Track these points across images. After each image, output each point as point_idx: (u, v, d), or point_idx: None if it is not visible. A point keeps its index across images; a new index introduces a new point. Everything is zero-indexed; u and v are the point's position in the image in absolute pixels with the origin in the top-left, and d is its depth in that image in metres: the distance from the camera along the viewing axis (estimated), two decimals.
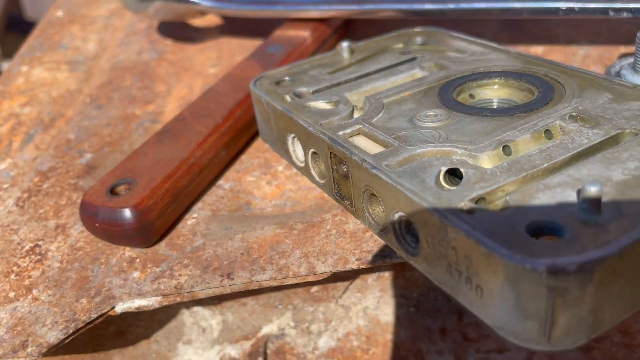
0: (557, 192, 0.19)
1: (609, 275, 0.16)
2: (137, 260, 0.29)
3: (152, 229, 0.29)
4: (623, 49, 0.37)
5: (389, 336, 0.33)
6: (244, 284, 0.27)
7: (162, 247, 0.29)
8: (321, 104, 0.28)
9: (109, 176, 0.30)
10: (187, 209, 0.31)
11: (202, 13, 0.46)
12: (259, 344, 0.34)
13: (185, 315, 0.35)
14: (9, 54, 1.53)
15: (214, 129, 0.33)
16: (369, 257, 0.26)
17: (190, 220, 0.31)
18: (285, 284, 0.27)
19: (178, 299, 0.27)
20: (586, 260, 0.16)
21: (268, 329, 0.34)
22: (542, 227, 0.18)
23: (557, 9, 0.35)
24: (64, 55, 0.52)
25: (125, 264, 0.29)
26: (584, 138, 0.22)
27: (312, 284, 0.34)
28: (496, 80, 0.28)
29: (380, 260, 0.26)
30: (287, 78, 0.32)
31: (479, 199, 0.20)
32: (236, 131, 0.34)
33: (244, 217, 0.31)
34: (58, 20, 0.57)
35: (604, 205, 0.18)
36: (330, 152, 0.24)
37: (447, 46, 0.33)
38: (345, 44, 0.33)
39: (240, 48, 0.48)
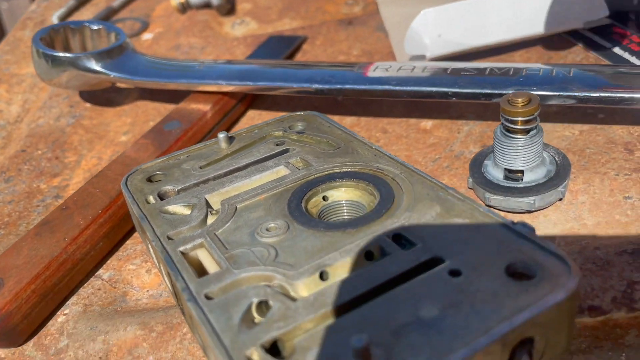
0: (343, 336, 0.20)
1: None
2: None
3: (16, 331, 0.29)
4: None
5: None
6: None
7: (29, 347, 0.30)
8: (179, 208, 0.29)
9: None
10: (62, 303, 0.32)
11: (112, 82, 0.47)
12: None
13: None
14: None
15: (93, 221, 0.33)
16: None
17: (61, 317, 0.31)
18: None
19: None
20: None
21: None
22: None
23: (432, 93, 0.36)
24: None
25: None
26: (394, 265, 0.23)
27: None
28: (347, 182, 0.29)
29: None
30: (159, 172, 0.33)
31: (276, 340, 0.20)
32: (118, 219, 0.35)
33: (114, 312, 0.31)
34: None
35: (376, 355, 0.19)
36: (167, 271, 0.25)
37: (322, 135, 0.34)
38: (221, 135, 0.34)
39: (155, 112, 0.49)
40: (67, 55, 0.45)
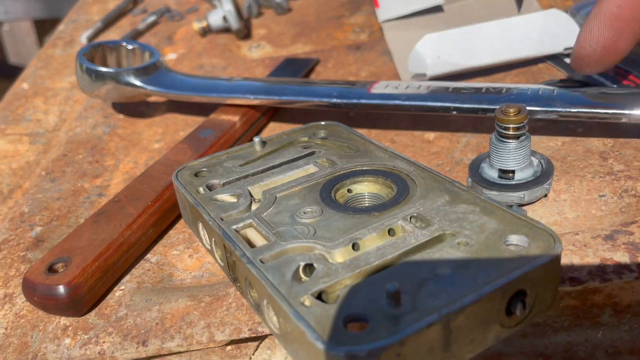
0: (378, 287, 0.25)
1: (394, 358, 0.22)
2: (70, 328, 0.34)
3: (83, 302, 0.34)
4: None
5: None
6: (156, 350, 0.32)
7: (92, 316, 0.35)
8: (227, 197, 0.34)
9: (49, 255, 0.35)
10: (117, 281, 0.37)
11: (148, 95, 0.52)
12: None
13: None
14: None
15: (143, 211, 0.38)
16: (259, 328, 0.32)
17: (118, 292, 0.36)
18: (191, 349, 0.32)
19: None
20: (373, 347, 0.21)
21: None
22: (356, 318, 0.24)
23: (436, 107, 0.42)
24: (27, 127, 0.57)
25: (59, 331, 0.34)
26: (413, 238, 0.28)
27: (226, 344, 0.39)
28: (369, 177, 0.34)
29: (265, 330, 0.32)
30: (204, 169, 0.38)
31: (321, 292, 0.26)
32: (164, 211, 0.40)
33: (164, 289, 0.36)
34: (23, 93, 0.63)
35: (405, 300, 0.24)
36: (224, 244, 0.30)
37: (343, 141, 0.39)
38: (257, 139, 0.39)
39: (184, 124, 0.54)
40: (110, 70, 0.50)
